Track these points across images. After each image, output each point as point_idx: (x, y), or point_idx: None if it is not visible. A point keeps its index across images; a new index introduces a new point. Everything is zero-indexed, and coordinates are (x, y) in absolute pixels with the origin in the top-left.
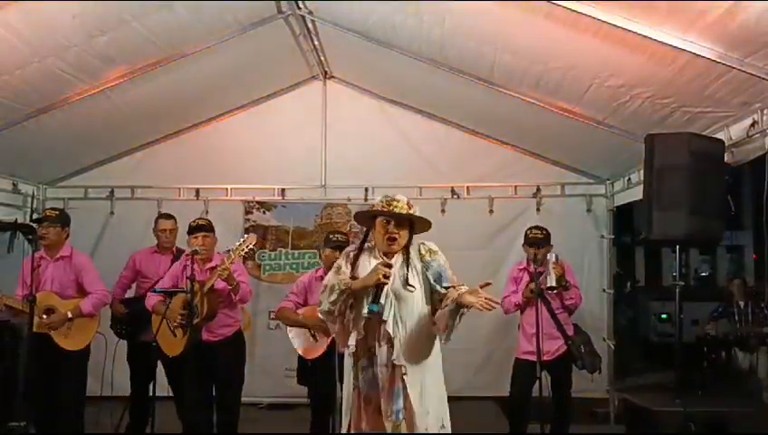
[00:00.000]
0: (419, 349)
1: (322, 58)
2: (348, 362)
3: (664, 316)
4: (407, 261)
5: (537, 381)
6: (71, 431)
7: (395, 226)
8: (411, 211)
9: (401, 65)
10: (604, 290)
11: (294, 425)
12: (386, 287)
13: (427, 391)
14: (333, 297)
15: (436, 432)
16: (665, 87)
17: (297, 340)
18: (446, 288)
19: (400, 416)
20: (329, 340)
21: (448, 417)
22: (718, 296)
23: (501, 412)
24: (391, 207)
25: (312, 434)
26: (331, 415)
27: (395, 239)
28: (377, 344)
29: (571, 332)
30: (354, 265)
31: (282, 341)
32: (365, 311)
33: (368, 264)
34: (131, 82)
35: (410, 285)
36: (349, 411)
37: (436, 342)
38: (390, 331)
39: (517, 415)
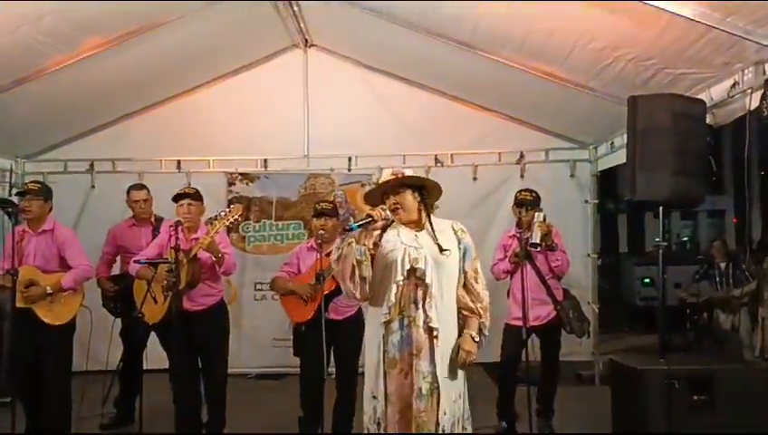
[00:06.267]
0: (451, 317)
1: (302, 25)
2: (375, 328)
3: (647, 280)
4: (433, 230)
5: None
6: (57, 406)
7: (392, 196)
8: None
9: (383, 32)
10: (588, 255)
11: (283, 395)
12: (379, 225)
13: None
14: (337, 243)
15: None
16: (647, 48)
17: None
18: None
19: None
20: (316, 305)
21: (466, 389)
22: (700, 260)
23: (489, 378)
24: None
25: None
26: (322, 384)
27: (398, 208)
28: (413, 307)
29: (560, 297)
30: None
31: (268, 311)
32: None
33: (393, 236)
34: (108, 51)
35: (446, 250)
36: (373, 376)
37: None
38: (434, 292)
39: (506, 380)
